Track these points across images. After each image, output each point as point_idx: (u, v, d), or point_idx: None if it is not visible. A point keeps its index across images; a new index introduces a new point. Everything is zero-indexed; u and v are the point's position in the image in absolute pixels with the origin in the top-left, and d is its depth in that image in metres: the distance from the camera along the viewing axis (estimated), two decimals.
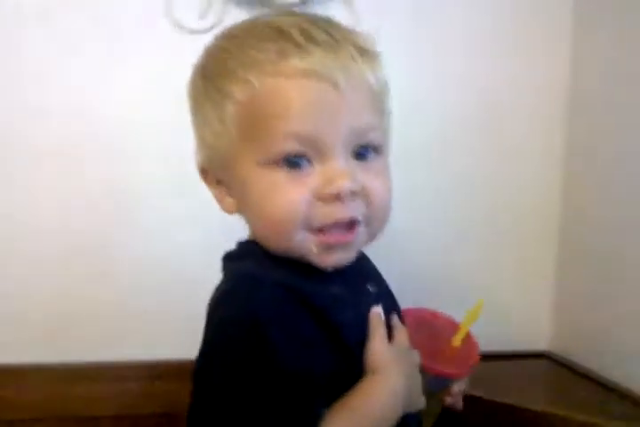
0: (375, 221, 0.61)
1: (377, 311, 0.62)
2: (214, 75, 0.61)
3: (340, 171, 0.56)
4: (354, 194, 0.57)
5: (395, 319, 0.66)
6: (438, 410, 0.73)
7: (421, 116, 1.13)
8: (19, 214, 1.05)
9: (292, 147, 0.56)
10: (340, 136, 0.57)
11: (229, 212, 0.64)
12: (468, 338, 0.74)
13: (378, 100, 0.60)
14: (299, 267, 0.60)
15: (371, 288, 0.66)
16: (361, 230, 0.60)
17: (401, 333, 0.65)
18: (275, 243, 0.60)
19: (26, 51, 1.03)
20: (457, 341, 0.72)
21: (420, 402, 0.63)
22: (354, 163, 0.58)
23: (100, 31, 1.05)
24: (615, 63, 1.07)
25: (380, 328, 0.61)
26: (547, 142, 1.20)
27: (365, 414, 0.56)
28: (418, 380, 0.64)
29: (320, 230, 0.58)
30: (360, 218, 0.59)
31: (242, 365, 0.53)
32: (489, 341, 1.14)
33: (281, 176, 0.57)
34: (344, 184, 0.56)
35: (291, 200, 0.57)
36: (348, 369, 0.58)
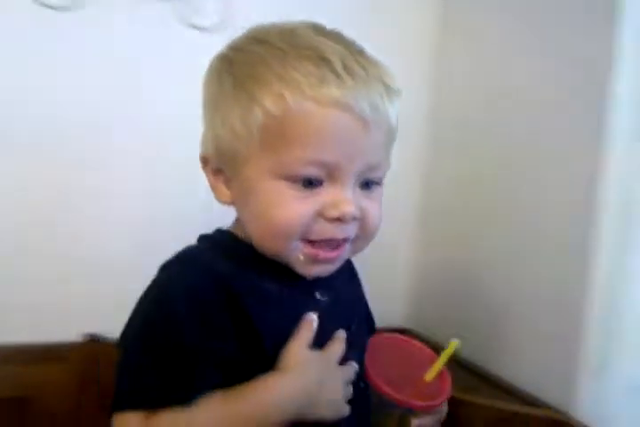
0: (362, 241, 0.66)
1: (309, 317, 0.64)
2: (245, 76, 0.62)
3: (346, 198, 0.61)
4: (354, 219, 0.62)
5: (340, 333, 0.66)
6: None
7: None
8: None
9: (311, 172, 0.60)
10: (356, 168, 0.61)
11: (223, 202, 0.66)
12: (442, 375, 0.69)
13: (392, 136, 0.64)
14: (248, 261, 0.64)
15: (320, 296, 0.68)
16: (347, 248, 0.65)
17: (335, 345, 0.65)
18: (268, 246, 0.64)
19: None
20: (430, 376, 0.68)
21: (331, 413, 0.63)
22: (358, 191, 0.63)
23: None
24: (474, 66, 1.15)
25: (304, 332, 0.63)
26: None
27: (249, 404, 0.58)
28: (333, 391, 0.63)
29: (311, 242, 0.62)
30: (351, 236, 0.64)
31: (148, 330, 0.59)
32: None
33: (292, 191, 0.60)
34: (348, 210, 0.61)
35: (297, 213, 0.60)
36: (258, 362, 0.61)
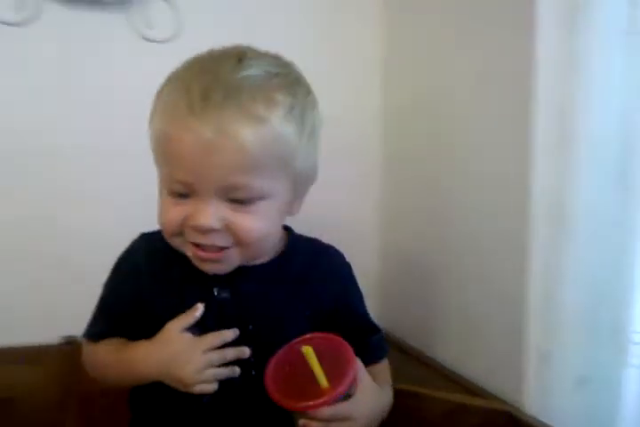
0: (245, 248, 0.72)
1: (195, 307, 0.73)
2: (158, 93, 0.72)
3: (203, 210, 0.68)
4: (212, 230, 0.69)
5: (227, 331, 0.72)
6: None
7: None
8: None
9: (176, 187, 0.69)
10: (211, 187, 0.67)
11: None
12: (342, 379, 0.68)
13: (256, 161, 0.67)
14: (167, 252, 0.76)
15: (218, 293, 0.76)
16: (232, 251, 0.71)
17: (210, 336, 0.72)
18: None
19: None
20: (322, 383, 0.68)
21: (181, 387, 0.71)
22: (224, 205, 0.69)
23: None
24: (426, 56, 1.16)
25: (185, 317, 0.72)
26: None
27: (125, 357, 0.76)
28: (186, 370, 0.70)
29: (195, 243, 0.71)
30: (226, 244, 0.70)
31: (102, 290, 0.82)
32: None
33: (169, 198, 0.71)
34: (201, 223, 0.68)
35: (169, 218, 0.71)
36: (148, 326, 0.75)
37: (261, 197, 0.69)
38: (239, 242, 0.70)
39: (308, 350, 0.69)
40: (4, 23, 1.03)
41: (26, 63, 1.06)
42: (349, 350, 0.71)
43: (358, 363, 0.72)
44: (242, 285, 0.76)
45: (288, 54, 1.15)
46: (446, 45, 1.08)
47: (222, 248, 0.70)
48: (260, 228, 0.70)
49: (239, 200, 0.68)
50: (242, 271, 0.75)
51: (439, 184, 1.10)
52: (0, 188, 1.07)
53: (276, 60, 0.74)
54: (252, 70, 0.68)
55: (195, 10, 1.10)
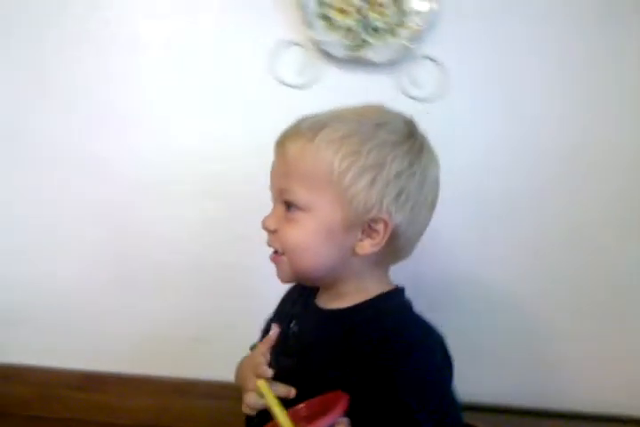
0: (288, 255, 0.76)
1: (273, 331, 0.79)
2: None
3: (269, 213, 0.78)
4: (268, 230, 0.77)
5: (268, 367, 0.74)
6: None
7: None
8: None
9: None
10: (274, 191, 0.79)
11: None
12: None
13: (296, 169, 0.75)
14: None
15: (292, 326, 0.82)
16: (283, 259, 0.77)
17: (265, 367, 0.74)
18: None
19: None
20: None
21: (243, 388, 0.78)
22: (284, 211, 0.76)
23: (210, 84, 1.19)
24: None
25: (267, 341, 0.78)
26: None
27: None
28: (243, 385, 0.78)
29: None
30: (279, 249, 0.77)
31: None
32: (589, 402, 1.18)
33: None
34: (263, 222, 0.78)
35: None
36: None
37: (302, 208, 0.74)
38: (282, 249, 0.76)
39: (262, 384, 0.68)
40: (289, 86, 1.15)
41: None
42: (342, 405, 0.64)
43: (342, 420, 0.64)
44: (307, 322, 0.81)
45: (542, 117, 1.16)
46: None
47: (279, 253, 0.77)
48: (295, 236, 0.75)
49: (289, 205, 0.75)
50: (315, 310, 0.80)
51: None
52: None
53: (395, 115, 0.80)
54: (343, 111, 0.78)
55: (462, 70, 1.12)
